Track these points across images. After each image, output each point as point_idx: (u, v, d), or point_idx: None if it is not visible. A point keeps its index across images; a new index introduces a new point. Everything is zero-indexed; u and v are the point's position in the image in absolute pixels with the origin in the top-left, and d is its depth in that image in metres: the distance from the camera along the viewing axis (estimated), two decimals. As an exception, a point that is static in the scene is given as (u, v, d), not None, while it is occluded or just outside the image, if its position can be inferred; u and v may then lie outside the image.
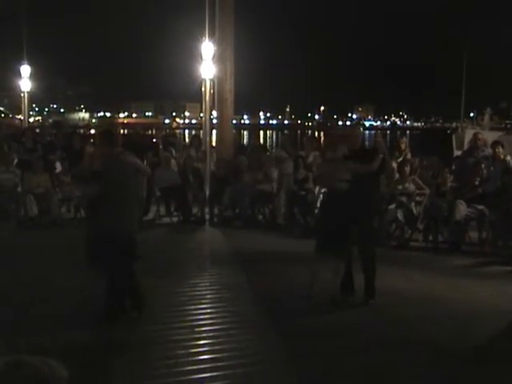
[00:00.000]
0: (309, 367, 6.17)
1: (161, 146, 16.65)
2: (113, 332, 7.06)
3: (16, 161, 15.30)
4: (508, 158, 12.93)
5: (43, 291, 8.59)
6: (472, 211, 11.80)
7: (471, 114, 36.21)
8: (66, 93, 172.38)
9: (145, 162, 15.67)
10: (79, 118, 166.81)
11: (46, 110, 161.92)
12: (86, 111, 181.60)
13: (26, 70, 26.13)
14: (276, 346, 6.72)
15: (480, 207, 11.78)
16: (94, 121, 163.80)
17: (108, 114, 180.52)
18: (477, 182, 12.19)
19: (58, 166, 15.53)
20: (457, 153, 22.30)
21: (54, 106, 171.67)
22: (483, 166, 12.37)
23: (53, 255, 10.78)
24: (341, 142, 8.58)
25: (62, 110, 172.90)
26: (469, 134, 22.28)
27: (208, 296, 8.62)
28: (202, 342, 6.79)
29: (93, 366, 6.04)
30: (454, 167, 14.08)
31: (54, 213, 14.32)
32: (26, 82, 26.04)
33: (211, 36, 15.81)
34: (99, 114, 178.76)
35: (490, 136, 20.40)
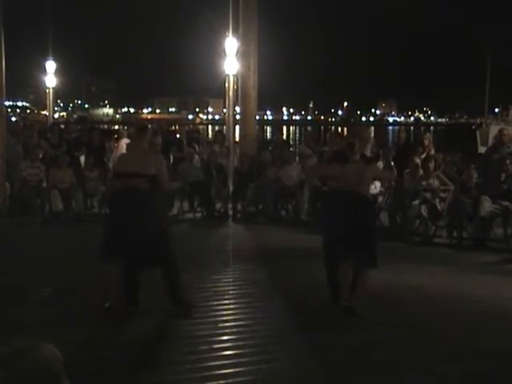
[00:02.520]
0: (333, 361, 6.18)
1: (185, 142, 16.72)
2: (136, 327, 7.12)
3: (41, 156, 15.45)
4: None
5: (68, 285, 8.68)
6: (497, 207, 11.73)
7: (496, 110, 35.89)
8: (90, 88, 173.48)
9: (170, 158, 15.83)
10: (103, 114, 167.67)
11: (71, 105, 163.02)
12: (109, 107, 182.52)
13: (51, 65, 26.34)
14: (299, 342, 6.73)
15: (505, 203, 11.71)
16: (118, 116, 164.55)
17: (132, 110, 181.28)
18: (502, 178, 12.12)
19: (83, 162, 15.65)
20: (481, 149, 22.16)
21: (79, 101, 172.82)
22: (508, 161, 12.28)
23: (78, 250, 10.86)
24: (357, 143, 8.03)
25: (86, 106, 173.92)
26: (493, 130, 22.12)
27: (231, 292, 8.63)
28: (225, 337, 6.80)
29: (117, 361, 6.11)
30: (479, 163, 13.96)
31: (78, 208, 14.44)
32: (51, 77, 26.25)
33: (235, 32, 15.83)
34: (123, 110, 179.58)
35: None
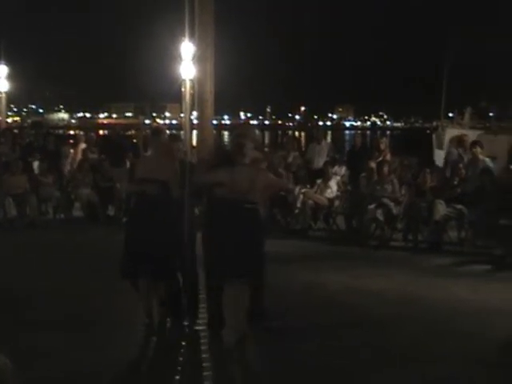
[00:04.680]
0: (291, 367, 6.17)
1: (141, 147, 16.59)
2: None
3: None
4: (486, 158, 12.99)
5: (20, 292, 8.60)
6: (451, 211, 11.89)
7: (450, 114, 36.36)
8: (44, 93, 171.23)
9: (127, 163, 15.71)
10: (59, 119, 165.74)
11: (25, 110, 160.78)
12: (65, 111, 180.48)
13: (2, 70, 25.93)
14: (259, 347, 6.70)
15: (459, 207, 11.87)
16: (73, 121, 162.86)
17: (88, 115, 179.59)
18: (455, 182, 12.30)
19: (36, 168, 15.44)
20: (437, 152, 22.39)
21: (33, 106, 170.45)
22: (461, 165, 12.48)
23: (33, 256, 10.74)
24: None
25: (40, 111, 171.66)
26: (449, 133, 22.36)
27: None
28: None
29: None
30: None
31: (32, 214, 14.24)
32: (2, 82, 25.84)
33: (191, 36, 15.75)
34: (79, 115, 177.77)
35: (469, 135, 20.50)
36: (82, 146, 17.03)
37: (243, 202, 6.68)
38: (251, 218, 6.75)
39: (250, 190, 6.69)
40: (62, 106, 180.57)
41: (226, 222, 6.72)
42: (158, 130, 7.98)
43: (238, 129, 8.65)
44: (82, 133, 24.42)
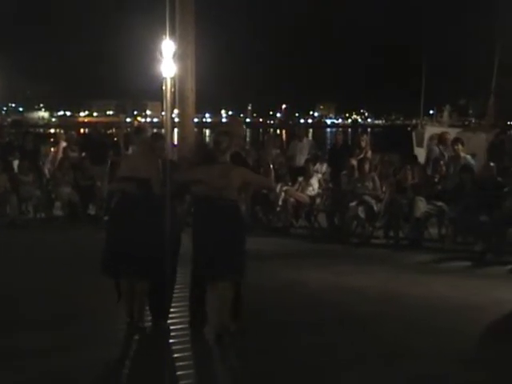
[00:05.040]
0: (276, 365, 6.21)
1: (122, 145, 16.54)
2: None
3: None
4: (467, 155, 13.07)
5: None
6: (431, 208, 11.96)
7: (431, 112, 36.61)
8: (25, 92, 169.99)
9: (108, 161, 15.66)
10: (39, 117, 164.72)
11: (5, 109, 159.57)
12: (45, 110, 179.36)
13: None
14: (242, 344, 6.73)
15: (439, 204, 11.95)
16: (53, 120, 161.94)
17: (68, 113, 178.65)
18: (436, 179, 12.37)
19: (16, 167, 15.34)
20: (417, 150, 22.53)
21: (13, 104, 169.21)
22: (442, 163, 12.56)
23: (13, 256, 10.73)
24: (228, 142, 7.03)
25: (20, 109, 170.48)
26: (428, 131, 22.52)
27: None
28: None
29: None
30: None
31: (12, 213, 14.16)
32: (-18, 81, 25.65)
33: (172, 34, 15.70)
34: (59, 113, 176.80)
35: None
36: (63, 144, 16.96)
37: (220, 199, 6.70)
38: (230, 215, 6.77)
39: (227, 187, 6.71)
40: (42, 105, 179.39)
41: (205, 220, 6.76)
42: (140, 129, 7.94)
43: (221, 126, 8.62)
44: (62, 131, 24.31)
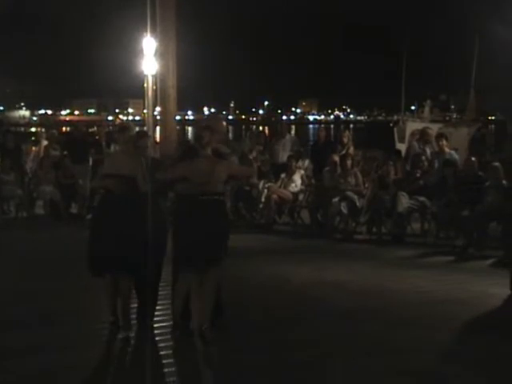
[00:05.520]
0: (256, 360, 6.20)
1: (104, 143, 16.50)
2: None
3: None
4: (451, 150, 13.13)
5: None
6: (414, 203, 12.04)
7: (412, 108, 36.86)
8: (5, 90, 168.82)
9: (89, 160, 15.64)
10: (20, 116, 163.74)
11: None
12: (26, 109, 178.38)
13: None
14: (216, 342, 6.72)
15: (421, 199, 12.02)
16: (35, 118, 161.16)
17: (49, 112, 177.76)
18: (418, 175, 12.43)
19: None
20: (399, 145, 22.62)
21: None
22: (424, 158, 12.63)
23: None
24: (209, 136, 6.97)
25: (1, 108, 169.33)
26: (410, 127, 22.63)
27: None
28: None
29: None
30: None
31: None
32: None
33: (153, 32, 15.68)
34: (40, 112, 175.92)
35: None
36: (44, 143, 16.89)
37: (204, 194, 6.67)
38: (214, 209, 6.76)
39: (211, 181, 6.68)
40: (23, 104, 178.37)
41: (189, 216, 6.72)
42: (125, 127, 7.91)
43: (201, 121, 8.56)
44: (43, 130, 24.21)
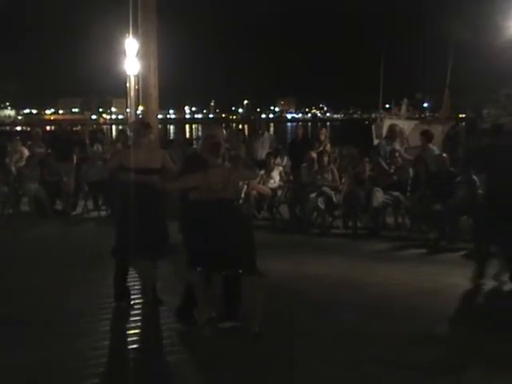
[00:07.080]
0: (231, 354, 6.41)
1: (87, 142, 16.77)
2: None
3: None
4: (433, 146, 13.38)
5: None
6: (388, 198, 12.31)
7: (387, 106, 37.24)
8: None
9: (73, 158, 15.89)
10: (5, 116, 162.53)
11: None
12: (11, 108, 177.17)
13: None
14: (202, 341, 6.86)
15: (395, 194, 12.30)
16: (20, 118, 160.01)
17: (34, 111, 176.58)
18: (392, 170, 12.77)
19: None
20: (376, 142, 22.99)
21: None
22: (397, 154, 12.92)
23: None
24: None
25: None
26: (387, 124, 23.00)
27: (136, 287, 8.40)
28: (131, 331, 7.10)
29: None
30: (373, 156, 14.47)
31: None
32: None
33: (135, 33, 15.93)
34: (25, 111, 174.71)
35: (406, 125, 21.21)
36: (29, 142, 17.11)
37: (221, 201, 6.69)
38: (234, 215, 6.86)
39: (226, 189, 6.71)
40: (8, 103, 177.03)
41: (208, 225, 6.66)
42: (148, 123, 8.30)
43: (208, 130, 8.85)
44: (28, 129, 24.38)
